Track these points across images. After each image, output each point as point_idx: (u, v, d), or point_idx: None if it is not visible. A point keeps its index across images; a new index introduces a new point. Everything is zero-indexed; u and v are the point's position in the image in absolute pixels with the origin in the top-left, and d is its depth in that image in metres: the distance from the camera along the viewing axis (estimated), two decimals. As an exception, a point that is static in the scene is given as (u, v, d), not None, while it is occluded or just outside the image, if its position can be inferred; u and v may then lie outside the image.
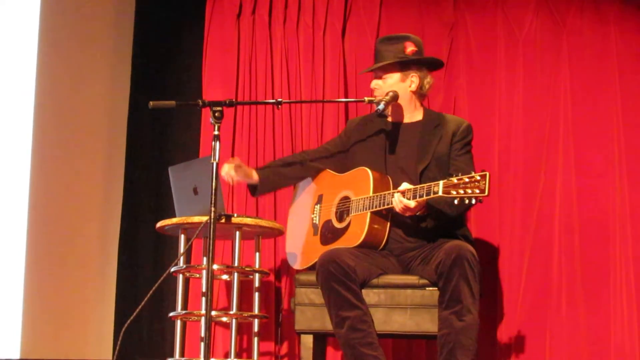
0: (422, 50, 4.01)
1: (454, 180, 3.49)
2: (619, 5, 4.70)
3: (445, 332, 3.61)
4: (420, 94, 4.01)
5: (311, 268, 3.94)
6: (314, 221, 4.09)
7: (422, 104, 4.05)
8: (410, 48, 3.95)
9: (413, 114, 4.02)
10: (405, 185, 3.70)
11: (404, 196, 3.67)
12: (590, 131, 4.65)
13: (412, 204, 3.65)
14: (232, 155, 4.80)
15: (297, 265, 4.11)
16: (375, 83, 4.00)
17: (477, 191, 3.45)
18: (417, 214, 3.72)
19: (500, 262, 4.63)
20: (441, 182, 3.53)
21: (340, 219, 3.98)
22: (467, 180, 3.47)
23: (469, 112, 4.75)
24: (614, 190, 4.57)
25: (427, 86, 4.00)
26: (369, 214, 3.82)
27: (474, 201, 3.47)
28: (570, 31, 4.73)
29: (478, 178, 3.45)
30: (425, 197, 3.60)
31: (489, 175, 3.45)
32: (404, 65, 3.95)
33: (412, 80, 3.96)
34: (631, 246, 4.50)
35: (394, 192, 3.73)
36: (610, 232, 4.54)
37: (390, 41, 3.98)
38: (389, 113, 4.00)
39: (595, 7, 4.72)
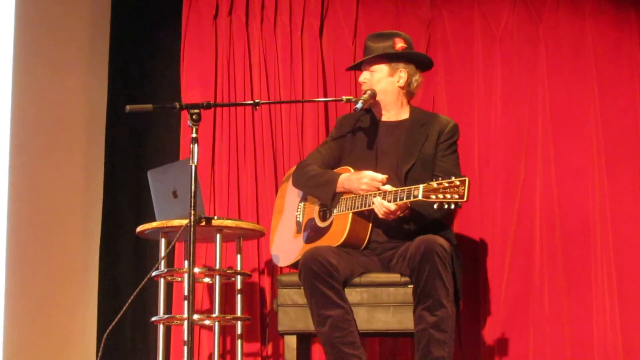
0: (411, 47, 4.01)
1: (434, 184, 3.49)
2: (594, -2, 4.72)
3: (419, 328, 3.61)
4: (408, 92, 4.00)
5: (294, 266, 3.94)
6: (298, 219, 4.09)
7: (409, 103, 4.04)
8: (399, 44, 3.95)
9: (400, 112, 4.01)
10: (387, 187, 3.70)
11: (384, 198, 3.67)
12: (569, 125, 4.67)
13: (392, 206, 3.64)
14: (213, 157, 4.79)
15: (280, 262, 4.11)
16: (363, 77, 3.98)
17: (456, 196, 3.45)
18: (399, 214, 3.71)
19: (482, 259, 4.63)
20: (421, 187, 3.53)
21: (323, 218, 3.97)
22: (446, 185, 3.47)
23: (448, 108, 4.75)
24: (594, 184, 4.58)
25: (415, 84, 3.99)
26: (350, 214, 3.82)
27: (452, 206, 3.47)
28: (547, 26, 4.74)
29: (457, 183, 3.45)
30: (405, 200, 3.60)
31: (469, 181, 3.44)
32: (392, 59, 3.94)
33: (400, 75, 3.96)
34: (612, 240, 4.51)
35: (375, 194, 3.73)
36: (591, 226, 4.55)
37: (380, 37, 3.98)
38: (370, 110, 4.01)
39: (571, 1, 4.74)
